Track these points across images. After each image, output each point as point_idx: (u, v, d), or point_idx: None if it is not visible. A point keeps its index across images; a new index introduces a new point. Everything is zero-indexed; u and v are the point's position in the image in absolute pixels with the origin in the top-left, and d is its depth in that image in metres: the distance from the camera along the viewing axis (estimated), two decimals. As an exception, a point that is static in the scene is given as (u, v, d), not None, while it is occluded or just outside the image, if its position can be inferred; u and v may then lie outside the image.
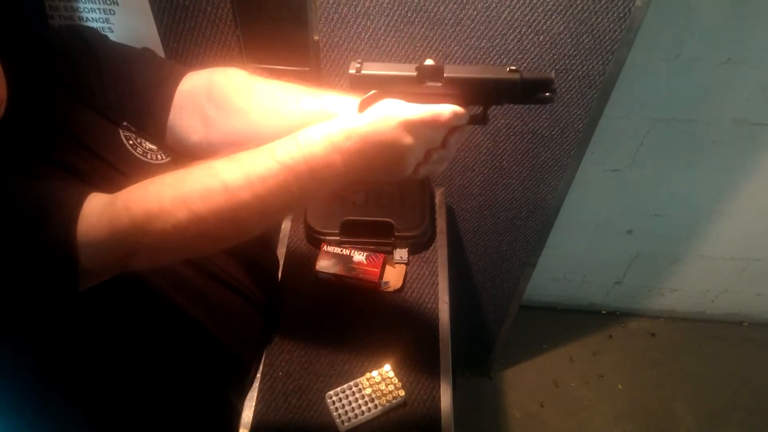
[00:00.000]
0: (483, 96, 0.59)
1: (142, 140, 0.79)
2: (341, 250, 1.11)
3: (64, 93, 0.72)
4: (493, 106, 0.64)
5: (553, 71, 0.64)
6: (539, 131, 1.21)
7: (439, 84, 0.57)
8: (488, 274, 1.61)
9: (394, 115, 0.57)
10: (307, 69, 1.13)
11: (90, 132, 0.72)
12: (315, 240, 1.15)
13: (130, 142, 0.77)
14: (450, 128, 0.59)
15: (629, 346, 2.12)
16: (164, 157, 0.80)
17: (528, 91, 0.57)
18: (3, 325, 0.65)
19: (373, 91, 0.59)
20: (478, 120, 0.61)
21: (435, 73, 0.57)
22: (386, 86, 0.58)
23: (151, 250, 0.60)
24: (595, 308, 2.22)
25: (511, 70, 0.57)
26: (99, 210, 0.57)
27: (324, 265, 1.08)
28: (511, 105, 1.15)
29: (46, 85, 0.71)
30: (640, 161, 1.63)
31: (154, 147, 0.80)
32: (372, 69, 0.58)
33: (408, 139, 0.57)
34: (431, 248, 1.18)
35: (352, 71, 0.58)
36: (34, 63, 0.71)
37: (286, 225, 1.21)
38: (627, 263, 2.01)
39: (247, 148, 0.73)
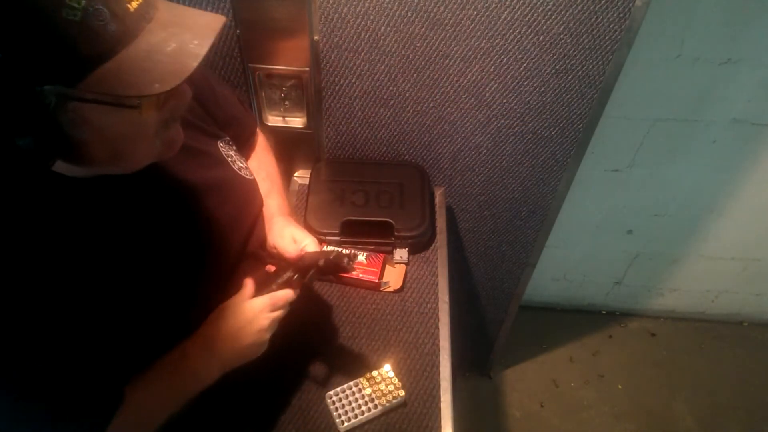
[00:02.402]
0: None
1: (234, 157, 0.88)
2: (341, 250, 1.11)
3: None
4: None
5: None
6: (539, 131, 1.21)
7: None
8: (488, 274, 1.61)
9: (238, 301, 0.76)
10: (307, 69, 1.13)
11: (195, 147, 0.80)
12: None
13: (230, 159, 0.87)
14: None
15: (629, 346, 2.12)
16: (250, 174, 0.91)
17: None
18: None
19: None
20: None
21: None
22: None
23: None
24: (595, 308, 2.22)
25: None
26: None
27: (324, 265, 1.08)
28: (511, 106, 1.16)
29: None
30: (640, 161, 1.63)
31: (243, 165, 0.89)
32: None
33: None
34: (431, 248, 1.18)
35: None
36: None
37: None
38: (627, 263, 2.01)
39: None
